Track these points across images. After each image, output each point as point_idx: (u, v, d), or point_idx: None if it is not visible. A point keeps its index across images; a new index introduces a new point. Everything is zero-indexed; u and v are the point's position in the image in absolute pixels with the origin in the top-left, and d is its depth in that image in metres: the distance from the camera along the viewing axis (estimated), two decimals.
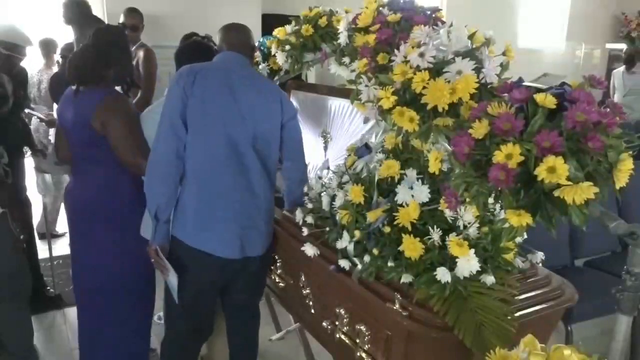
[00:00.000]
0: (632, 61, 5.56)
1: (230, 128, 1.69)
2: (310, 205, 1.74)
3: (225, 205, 1.72)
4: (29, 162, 2.82)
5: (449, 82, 1.14)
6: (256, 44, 2.10)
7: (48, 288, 3.12)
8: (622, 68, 5.70)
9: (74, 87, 1.99)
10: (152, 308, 2.23)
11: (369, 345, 1.42)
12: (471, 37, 1.26)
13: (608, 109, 0.94)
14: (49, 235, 3.35)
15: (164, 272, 1.77)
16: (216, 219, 1.73)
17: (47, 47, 4.33)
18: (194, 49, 2.12)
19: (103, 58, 1.97)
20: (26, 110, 3.04)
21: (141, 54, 3.42)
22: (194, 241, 1.74)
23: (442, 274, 1.23)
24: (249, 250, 1.78)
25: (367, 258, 1.39)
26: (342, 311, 1.51)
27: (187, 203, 1.74)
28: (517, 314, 1.27)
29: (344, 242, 1.46)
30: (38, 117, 3.29)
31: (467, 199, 1.03)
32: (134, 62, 3.12)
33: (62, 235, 3.97)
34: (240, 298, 1.97)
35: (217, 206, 1.72)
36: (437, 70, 1.18)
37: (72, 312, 2.86)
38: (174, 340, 1.93)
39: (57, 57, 3.90)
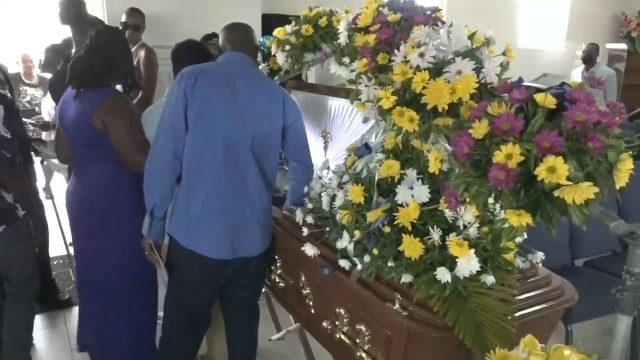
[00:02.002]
0: (591, 60, 5.48)
1: (229, 129, 1.69)
2: (310, 205, 1.74)
3: (217, 207, 1.72)
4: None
5: (449, 82, 1.14)
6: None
7: (58, 290, 3.11)
8: (581, 67, 5.63)
9: (74, 89, 1.99)
10: (157, 307, 2.23)
11: (369, 345, 1.42)
12: (471, 37, 1.26)
13: (608, 109, 0.94)
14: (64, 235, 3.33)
15: (157, 266, 1.82)
16: (208, 219, 1.73)
17: None
18: (189, 50, 2.12)
19: (105, 63, 1.97)
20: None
21: (142, 53, 3.42)
22: (187, 241, 1.75)
23: (442, 274, 1.23)
24: (241, 251, 1.78)
25: (367, 258, 1.39)
26: (342, 311, 1.51)
27: (181, 203, 1.75)
28: (517, 314, 1.27)
29: (344, 242, 1.46)
30: (30, 123, 3.30)
31: (467, 199, 1.03)
32: (135, 62, 3.12)
33: None
34: (238, 297, 1.97)
35: (210, 207, 1.72)
36: (437, 70, 1.18)
37: (72, 312, 2.87)
38: (170, 334, 1.93)
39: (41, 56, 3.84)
